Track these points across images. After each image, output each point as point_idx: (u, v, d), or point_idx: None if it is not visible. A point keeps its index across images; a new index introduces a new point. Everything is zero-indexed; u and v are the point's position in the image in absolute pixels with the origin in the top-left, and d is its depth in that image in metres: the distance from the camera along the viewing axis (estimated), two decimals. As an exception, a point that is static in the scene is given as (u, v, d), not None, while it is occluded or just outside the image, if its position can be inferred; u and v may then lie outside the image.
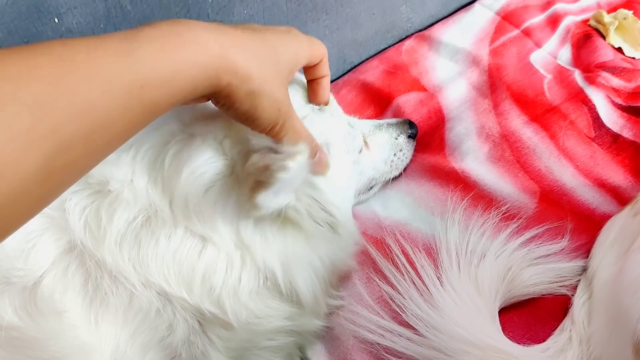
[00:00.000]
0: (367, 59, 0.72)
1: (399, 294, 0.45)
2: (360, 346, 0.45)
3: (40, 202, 0.25)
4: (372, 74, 0.69)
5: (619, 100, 0.60)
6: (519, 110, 0.61)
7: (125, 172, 0.39)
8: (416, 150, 0.59)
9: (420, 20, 0.75)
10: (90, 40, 0.27)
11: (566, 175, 0.55)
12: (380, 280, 0.47)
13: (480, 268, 0.45)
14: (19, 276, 0.35)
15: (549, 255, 0.47)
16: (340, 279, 0.48)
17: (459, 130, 0.60)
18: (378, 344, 0.44)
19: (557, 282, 0.46)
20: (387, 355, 0.43)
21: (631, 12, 0.71)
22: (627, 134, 0.58)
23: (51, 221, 0.37)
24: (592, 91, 0.61)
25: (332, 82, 0.70)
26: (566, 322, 0.44)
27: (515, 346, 0.42)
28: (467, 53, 0.69)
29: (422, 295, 0.44)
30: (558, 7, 0.74)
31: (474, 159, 0.56)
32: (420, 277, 0.45)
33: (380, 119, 0.59)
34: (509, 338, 0.43)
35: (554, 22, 0.73)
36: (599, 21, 0.71)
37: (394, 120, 0.57)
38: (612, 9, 0.74)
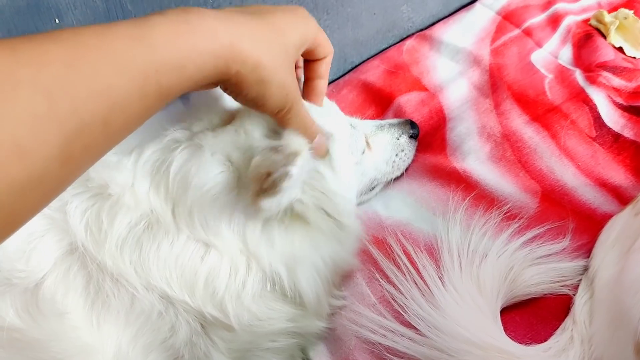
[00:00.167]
0: (368, 59, 0.72)
1: (401, 294, 0.45)
2: (362, 346, 0.45)
3: (61, 184, 0.26)
4: (373, 73, 0.69)
5: (619, 100, 0.60)
6: (520, 110, 0.61)
7: (126, 176, 0.39)
8: (417, 150, 0.58)
9: (421, 20, 0.75)
10: (99, 27, 0.27)
11: (567, 175, 0.55)
12: (382, 280, 0.47)
13: (481, 268, 0.45)
14: (20, 277, 0.35)
15: (550, 255, 0.47)
16: (343, 279, 0.48)
17: (460, 130, 0.60)
18: (380, 344, 0.44)
19: (558, 281, 0.46)
20: (389, 355, 0.43)
21: (632, 11, 0.71)
22: (628, 133, 0.58)
23: (52, 223, 0.37)
24: (593, 91, 0.61)
25: (333, 82, 0.70)
26: (568, 321, 0.44)
27: (517, 346, 0.42)
28: (468, 53, 0.69)
29: (423, 295, 0.44)
30: (559, 6, 0.74)
31: (475, 158, 0.56)
32: (422, 277, 0.45)
33: (381, 119, 0.59)
34: (510, 338, 0.43)
35: (554, 21, 0.73)
36: (599, 21, 0.71)
37: (395, 121, 0.57)
38: (613, 9, 0.74)
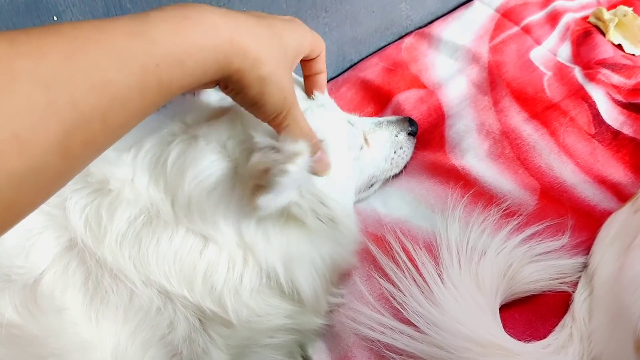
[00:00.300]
0: (367, 57, 0.72)
1: (400, 291, 0.45)
2: (361, 343, 0.45)
3: (61, 177, 0.26)
4: (372, 71, 0.69)
5: (619, 97, 0.60)
6: (519, 107, 0.61)
7: (125, 171, 0.39)
8: (416, 148, 0.58)
9: (420, 18, 0.75)
10: (98, 21, 0.27)
11: (566, 172, 0.55)
12: (380, 278, 0.47)
13: (480, 265, 0.45)
14: (19, 274, 0.35)
15: (549, 252, 0.47)
16: (341, 277, 0.48)
17: (459, 127, 0.60)
18: (379, 341, 0.44)
19: (557, 278, 0.46)
20: (388, 352, 0.43)
21: (631, 9, 0.71)
22: (627, 130, 0.58)
23: (51, 219, 0.37)
24: (592, 88, 0.61)
25: (331, 79, 0.70)
26: (567, 318, 0.44)
27: (516, 343, 0.42)
28: (466, 50, 0.69)
29: (422, 292, 0.44)
30: (558, 4, 0.74)
31: (474, 156, 0.56)
32: (420, 274, 0.45)
33: (380, 117, 0.59)
34: (509, 335, 0.43)
35: (553, 19, 0.72)
36: (598, 18, 0.71)
37: (394, 118, 0.57)
38: (612, 6, 0.74)
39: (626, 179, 0.54)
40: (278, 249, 0.40)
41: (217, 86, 0.34)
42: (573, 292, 0.45)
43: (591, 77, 0.62)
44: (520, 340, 0.43)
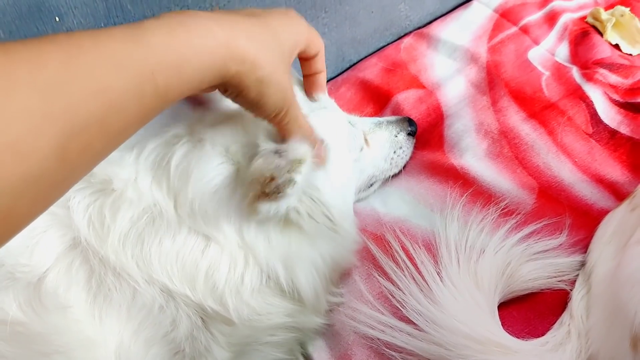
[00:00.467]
0: (366, 57, 0.73)
1: (399, 289, 0.45)
2: (361, 341, 0.45)
3: (59, 185, 0.26)
4: (371, 71, 0.69)
5: (616, 97, 0.61)
6: (518, 107, 0.61)
7: (128, 171, 0.39)
8: (415, 147, 0.59)
9: (419, 18, 0.75)
10: (94, 30, 0.27)
11: (564, 171, 0.55)
12: (380, 276, 0.47)
13: (479, 263, 0.46)
14: (23, 272, 0.36)
15: (547, 250, 0.47)
16: (341, 276, 0.49)
17: (457, 127, 0.60)
18: (378, 339, 0.44)
19: (555, 277, 0.46)
20: (387, 350, 0.43)
21: (628, 9, 0.72)
22: (624, 130, 0.58)
23: (55, 218, 0.37)
24: (590, 88, 0.61)
25: (331, 79, 0.71)
26: (565, 316, 0.44)
27: (514, 340, 0.42)
28: (465, 50, 0.69)
29: (422, 290, 0.44)
30: (555, 4, 0.75)
31: (472, 155, 0.57)
32: (420, 273, 0.45)
33: (379, 117, 0.59)
34: (508, 332, 0.43)
35: (551, 19, 0.73)
36: (596, 18, 0.72)
37: (393, 118, 0.57)
38: (609, 6, 0.74)
39: (623, 178, 0.54)
40: (279, 250, 0.40)
41: (217, 90, 0.34)
42: (571, 290, 0.46)
43: (589, 77, 0.63)
44: (518, 337, 0.43)
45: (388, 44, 0.74)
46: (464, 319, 0.42)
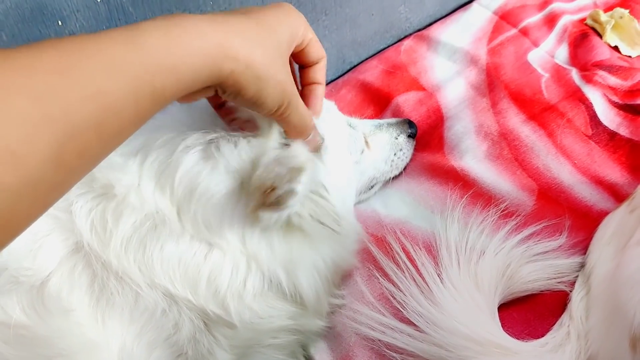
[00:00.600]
0: (367, 59, 0.73)
1: (400, 291, 0.46)
2: (362, 343, 0.45)
3: (57, 189, 0.26)
4: (372, 73, 0.69)
5: (615, 99, 0.61)
6: (517, 109, 0.61)
7: (131, 177, 0.39)
8: (416, 149, 0.59)
9: (419, 20, 0.76)
10: (91, 34, 0.27)
11: (564, 173, 0.55)
12: (381, 278, 0.48)
13: (479, 265, 0.46)
14: (26, 275, 0.36)
15: (547, 252, 0.48)
16: (342, 278, 0.49)
17: (457, 128, 0.60)
18: (379, 340, 0.44)
19: (555, 278, 0.47)
20: (388, 351, 0.44)
21: (627, 11, 0.72)
22: (623, 131, 0.58)
23: (58, 222, 0.38)
24: (589, 89, 0.62)
25: (331, 82, 0.71)
26: (564, 317, 0.44)
27: (514, 341, 0.42)
28: (465, 52, 0.69)
29: (422, 292, 0.45)
30: (555, 6, 0.75)
31: (472, 157, 0.57)
32: (420, 274, 0.46)
33: (380, 119, 0.60)
34: (508, 334, 0.43)
35: (551, 21, 0.73)
36: (595, 20, 0.72)
37: (393, 120, 0.58)
38: (609, 8, 0.75)
39: (622, 180, 0.55)
40: (281, 256, 0.41)
41: (216, 92, 0.34)
42: (570, 291, 0.46)
43: (588, 79, 0.63)
44: (518, 339, 0.43)
45: (388, 46, 0.74)
46: (464, 320, 0.42)
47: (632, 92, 0.61)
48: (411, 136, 0.57)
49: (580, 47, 0.69)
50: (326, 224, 0.43)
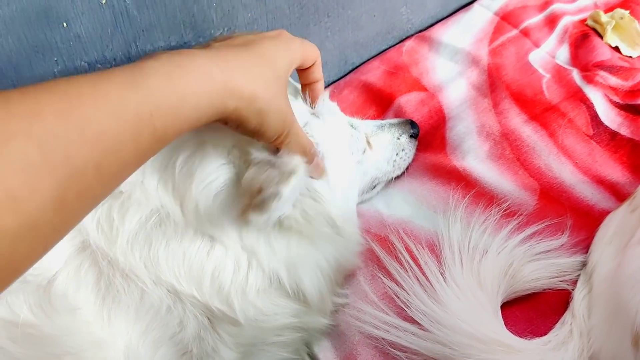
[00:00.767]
0: (369, 60, 0.73)
1: (403, 290, 0.46)
2: (366, 341, 0.46)
3: (56, 231, 0.26)
4: (374, 74, 0.70)
5: (616, 99, 0.61)
6: (519, 109, 0.62)
7: (135, 174, 0.40)
8: (418, 149, 0.59)
9: (420, 21, 0.76)
10: (94, 75, 0.28)
11: (565, 173, 0.56)
12: (384, 277, 0.48)
13: (482, 264, 0.46)
14: (33, 275, 0.36)
15: (549, 250, 0.48)
16: (346, 277, 0.49)
17: (459, 129, 0.61)
18: (383, 339, 0.44)
19: (557, 277, 0.47)
20: (392, 349, 0.44)
21: (628, 11, 0.72)
22: (624, 131, 0.59)
23: (64, 222, 0.38)
24: (590, 90, 0.62)
25: (334, 82, 0.71)
26: (567, 315, 0.45)
27: (517, 339, 0.43)
28: (466, 53, 0.70)
29: (426, 291, 0.45)
30: (556, 7, 0.75)
31: (474, 157, 0.57)
32: (423, 273, 0.46)
33: (382, 119, 0.60)
34: (511, 332, 0.43)
35: (551, 22, 0.74)
36: (596, 21, 0.72)
37: (395, 121, 0.58)
38: (609, 9, 0.75)
39: (624, 179, 0.55)
40: (280, 254, 0.41)
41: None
42: (572, 289, 0.46)
43: (589, 79, 0.63)
44: (521, 337, 0.43)
45: (390, 47, 0.74)
46: (468, 318, 0.42)
47: (632, 92, 0.62)
48: (413, 136, 0.58)
49: (581, 48, 0.69)
50: (320, 228, 0.43)
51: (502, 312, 0.46)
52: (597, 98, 0.61)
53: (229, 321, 0.40)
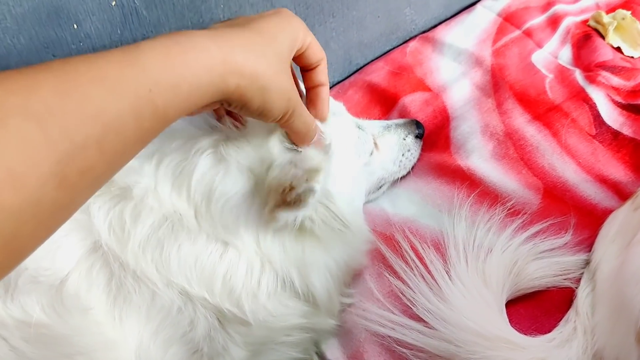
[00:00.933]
0: (373, 61, 0.73)
1: (409, 288, 0.46)
2: (372, 339, 0.46)
3: (60, 209, 0.25)
4: (378, 75, 0.70)
5: (618, 99, 0.62)
6: (522, 109, 0.62)
7: (148, 179, 0.40)
8: (422, 149, 0.60)
9: (424, 22, 0.76)
10: (90, 55, 0.27)
11: (569, 172, 0.56)
12: (390, 276, 0.48)
13: (487, 262, 0.47)
14: (45, 275, 0.37)
15: (553, 249, 0.48)
16: (353, 277, 0.50)
17: (463, 129, 0.61)
18: (389, 337, 0.45)
19: (561, 275, 0.47)
20: (398, 347, 0.44)
21: (629, 12, 0.73)
22: (626, 131, 0.59)
23: (76, 222, 0.38)
24: (593, 90, 0.63)
25: (338, 83, 0.72)
26: (571, 313, 0.45)
27: (522, 337, 0.43)
28: (470, 54, 0.70)
29: (431, 289, 0.45)
30: (558, 8, 0.76)
31: (479, 156, 0.58)
32: (429, 272, 0.46)
33: (387, 120, 0.60)
34: (516, 329, 0.44)
35: (554, 22, 0.74)
36: (598, 21, 0.73)
37: (401, 121, 0.58)
38: (611, 10, 0.75)
39: (626, 178, 0.55)
40: (293, 257, 0.42)
41: (221, 105, 0.34)
42: (576, 287, 0.46)
43: (591, 80, 0.64)
44: (526, 334, 0.44)
45: (394, 48, 0.75)
46: (473, 316, 0.42)
47: (634, 92, 0.62)
48: (419, 137, 0.58)
49: (584, 48, 0.70)
50: (333, 228, 0.44)
51: (506, 310, 0.46)
52: (599, 98, 0.62)
53: (239, 322, 0.40)
